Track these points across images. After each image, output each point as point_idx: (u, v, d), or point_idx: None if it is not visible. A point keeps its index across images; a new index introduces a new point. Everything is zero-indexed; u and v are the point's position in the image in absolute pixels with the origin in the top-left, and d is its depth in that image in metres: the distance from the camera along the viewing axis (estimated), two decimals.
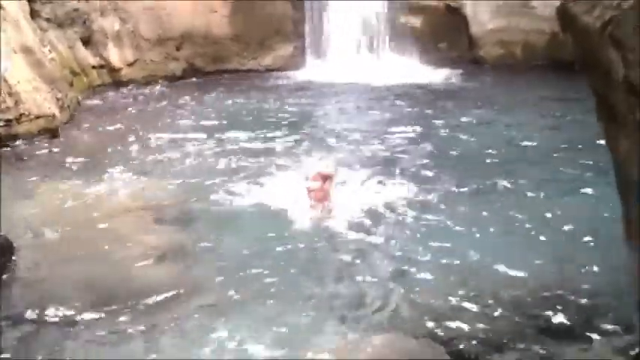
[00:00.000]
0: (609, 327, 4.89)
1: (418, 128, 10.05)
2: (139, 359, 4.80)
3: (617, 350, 4.63)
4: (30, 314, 5.41)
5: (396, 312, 5.26)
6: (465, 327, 5.02)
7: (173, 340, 5.05)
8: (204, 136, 9.94)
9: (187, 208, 7.40)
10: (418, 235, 6.48)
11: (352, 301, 5.43)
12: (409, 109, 11.30)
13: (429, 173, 8.08)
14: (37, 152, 9.46)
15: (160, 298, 5.57)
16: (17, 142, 9.67)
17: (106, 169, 8.63)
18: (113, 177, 8.38)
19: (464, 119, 10.55)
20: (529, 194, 7.38)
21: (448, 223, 6.70)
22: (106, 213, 7.25)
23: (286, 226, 6.70)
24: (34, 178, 8.40)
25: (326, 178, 6.92)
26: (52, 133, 10.02)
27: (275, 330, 5.05)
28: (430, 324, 5.07)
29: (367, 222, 6.75)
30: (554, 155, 8.59)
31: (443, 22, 14.38)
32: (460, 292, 5.45)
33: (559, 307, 5.16)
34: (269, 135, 9.95)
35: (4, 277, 5.92)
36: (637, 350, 4.34)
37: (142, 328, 5.19)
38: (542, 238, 6.34)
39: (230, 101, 12.18)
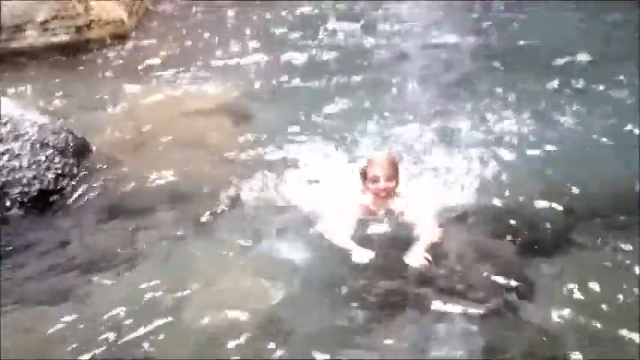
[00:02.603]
0: None
1: None
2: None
3: None
4: (102, 213, 5.62)
5: None
6: None
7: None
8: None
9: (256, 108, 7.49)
10: None
11: None
12: None
13: None
14: (108, 57, 9.58)
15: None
16: (89, 48, 9.76)
17: (177, 73, 8.74)
18: (184, 81, 8.48)
19: None
20: None
21: None
22: (180, 114, 7.41)
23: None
24: (107, 82, 8.55)
25: (395, 166, 5.20)
26: (121, 38, 10.10)
27: None
28: None
29: None
30: None
31: None
32: None
33: None
34: None
35: (82, 174, 6.14)
36: None
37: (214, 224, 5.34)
38: None
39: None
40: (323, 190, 5.63)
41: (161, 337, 4.11)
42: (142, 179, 6.08)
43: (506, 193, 5.48)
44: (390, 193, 5.13)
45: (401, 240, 4.85)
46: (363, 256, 4.65)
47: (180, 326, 4.21)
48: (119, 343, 4.09)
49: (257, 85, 8.23)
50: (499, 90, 7.45)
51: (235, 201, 5.60)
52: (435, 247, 4.73)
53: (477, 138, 6.47)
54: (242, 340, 4.07)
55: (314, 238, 4.97)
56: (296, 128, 6.81)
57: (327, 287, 4.50)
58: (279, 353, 3.96)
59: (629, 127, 6.48)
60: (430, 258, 4.58)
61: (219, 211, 5.48)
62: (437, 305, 4.25)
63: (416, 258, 4.60)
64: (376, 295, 4.39)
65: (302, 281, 4.58)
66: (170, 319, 4.25)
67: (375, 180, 5.07)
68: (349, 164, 5.98)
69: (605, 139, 6.29)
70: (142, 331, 4.16)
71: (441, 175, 5.76)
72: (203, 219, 5.38)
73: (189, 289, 4.51)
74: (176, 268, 4.83)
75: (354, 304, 4.31)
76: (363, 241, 4.83)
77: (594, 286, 4.37)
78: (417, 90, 7.85)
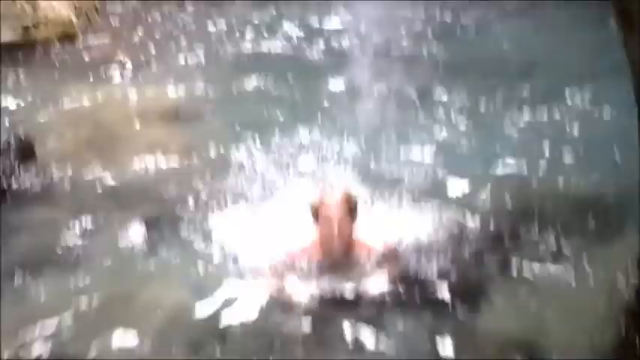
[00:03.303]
0: None
1: None
2: None
3: None
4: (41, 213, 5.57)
5: None
6: None
7: None
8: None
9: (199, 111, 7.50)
10: None
11: None
12: None
13: None
14: (56, 57, 9.50)
15: None
16: (37, 48, 9.66)
17: (127, 73, 8.77)
18: (133, 81, 8.50)
19: None
20: None
21: None
22: (129, 114, 7.42)
23: None
24: (55, 82, 8.50)
25: (351, 203, 4.41)
26: (70, 38, 10.03)
27: None
28: None
29: None
30: None
31: None
32: None
33: None
34: None
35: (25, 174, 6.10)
36: None
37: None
38: None
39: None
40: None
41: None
42: (86, 180, 6.07)
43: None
44: (345, 239, 4.35)
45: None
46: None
47: None
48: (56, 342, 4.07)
49: (207, 86, 8.24)
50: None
51: (177, 203, 5.57)
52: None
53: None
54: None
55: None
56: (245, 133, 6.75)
57: None
58: None
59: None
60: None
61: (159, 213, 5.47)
62: None
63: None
64: None
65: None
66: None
67: (328, 222, 4.31)
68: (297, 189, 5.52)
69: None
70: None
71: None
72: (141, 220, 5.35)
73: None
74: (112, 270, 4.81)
75: None
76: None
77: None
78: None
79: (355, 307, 4.18)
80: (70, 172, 6.20)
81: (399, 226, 4.86)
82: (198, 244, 4.96)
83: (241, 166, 6.08)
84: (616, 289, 4.26)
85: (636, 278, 4.30)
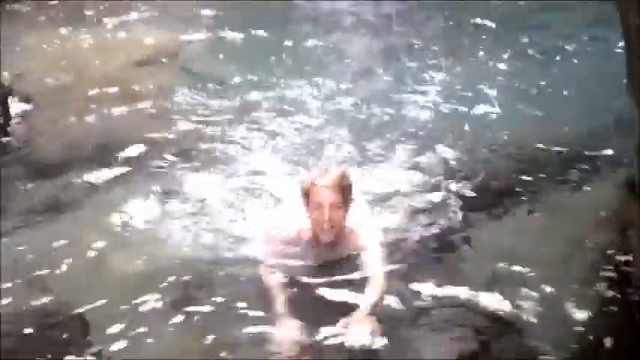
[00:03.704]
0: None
1: None
2: None
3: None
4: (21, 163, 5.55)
5: None
6: None
7: None
8: None
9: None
10: None
11: None
12: None
13: None
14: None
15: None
16: None
17: (116, 19, 8.57)
18: (123, 27, 8.36)
19: None
20: None
21: None
22: (116, 62, 7.31)
23: None
24: (41, 28, 8.35)
25: (344, 184, 3.98)
26: None
27: None
28: None
29: None
30: None
31: None
32: None
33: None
34: None
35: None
36: None
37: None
38: None
39: None
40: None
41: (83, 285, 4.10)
42: (65, 127, 6.04)
43: None
44: (337, 225, 3.96)
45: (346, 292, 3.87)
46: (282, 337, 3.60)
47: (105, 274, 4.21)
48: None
49: (201, 35, 8.10)
50: None
51: (153, 153, 5.50)
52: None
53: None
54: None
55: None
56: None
57: None
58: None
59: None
60: (376, 328, 3.53)
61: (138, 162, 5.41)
62: None
63: (356, 336, 3.48)
64: None
65: None
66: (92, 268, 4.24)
67: (318, 207, 3.93)
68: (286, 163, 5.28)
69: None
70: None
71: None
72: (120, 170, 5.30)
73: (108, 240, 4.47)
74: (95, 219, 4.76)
75: None
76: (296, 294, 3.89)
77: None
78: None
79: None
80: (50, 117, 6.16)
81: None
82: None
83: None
84: None
85: None
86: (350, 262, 4.01)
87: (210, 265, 4.18)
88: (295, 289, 3.89)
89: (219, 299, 3.88)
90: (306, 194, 3.95)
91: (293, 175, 5.00)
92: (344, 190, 3.92)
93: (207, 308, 3.83)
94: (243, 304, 3.80)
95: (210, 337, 3.59)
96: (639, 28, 3.74)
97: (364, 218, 4.25)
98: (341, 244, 4.02)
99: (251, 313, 3.73)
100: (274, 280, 3.92)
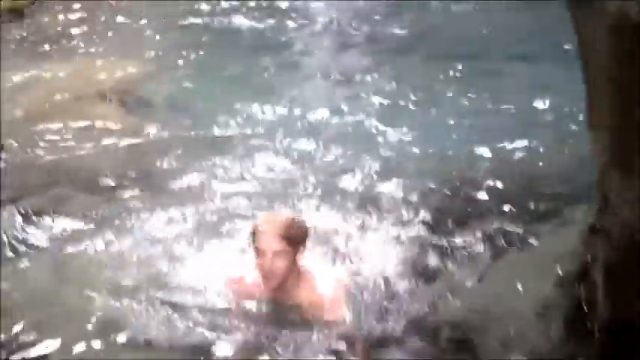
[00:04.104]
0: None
1: None
2: None
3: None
4: None
5: None
6: None
7: None
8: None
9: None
10: None
11: None
12: None
13: None
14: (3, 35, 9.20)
15: None
16: None
17: (75, 49, 8.63)
18: (79, 59, 8.32)
19: None
20: None
21: None
22: (72, 94, 7.27)
23: None
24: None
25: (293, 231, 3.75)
26: (17, 13, 9.75)
27: None
28: None
29: None
30: None
31: None
32: None
33: None
34: None
35: None
36: None
37: None
38: None
39: None
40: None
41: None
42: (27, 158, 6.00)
43: None
44: (280, 273, 3.70)
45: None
46: None
47: None
48: None
49: (154, 64, 8.07)
50: None
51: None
52: None
53: None
54: None
55: None
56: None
57: None
58: None
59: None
60: None
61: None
62: None
63: None
64: None
65: None
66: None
67: (261, 254, 3.69)
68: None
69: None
70: None
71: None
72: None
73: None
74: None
75: None
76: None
77: None
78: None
79: None
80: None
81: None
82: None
83: None
84: None
85: None
86: (306, 306, 3.80)
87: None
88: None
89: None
90: (252, 238, 3.76)
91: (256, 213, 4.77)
92: (290, 238, 3.67)
93: None
94: None
95: None
96: (602, 44, 3.20)
97: (324, 264, 4.09)
98: (293, 290, 3.79)
99: None
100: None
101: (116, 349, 3.78)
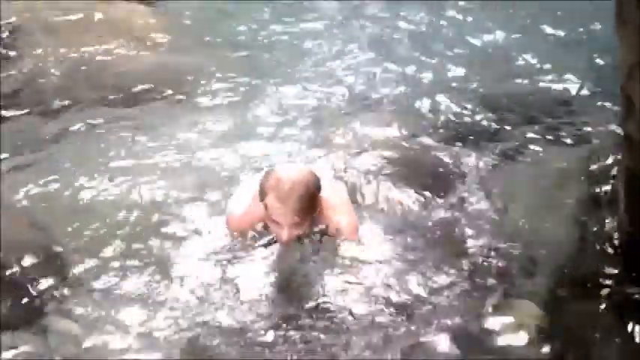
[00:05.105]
0: None
1: None
2: None
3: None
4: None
5: None
6: None
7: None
8: None
9: None
10: None
11: None
12: None
13: None
14: None
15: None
16: None
17: None
18: None
19: None
20: None
21: None
22: None
23: None
24: None
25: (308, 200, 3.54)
26: None
27: None
28: None
29: None
30: None
31: None
32: None
33: None
34: None
35: None
36: None
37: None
38: None
39: None
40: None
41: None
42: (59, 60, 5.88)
43: None
44: (296, 236, 3.58)
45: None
46: None
47: None
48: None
49: None
50: None
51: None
52: None
53: None
54: None
55: None
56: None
57: None
58: None
59: None
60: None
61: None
62: None
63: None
64: None
65: None
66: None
67: (277, 225, 3.54)
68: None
69: None
70: None
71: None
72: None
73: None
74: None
75: None
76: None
77: None
78: None
79: None
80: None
81: None
82: None
83: None
84: None
85: None
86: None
87: None
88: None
89: None
90: (264, 203, 3.52)
91: None
92: (306, 209, 3.48)
93: None
94: None
95: None
96: None
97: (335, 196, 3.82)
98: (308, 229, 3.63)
99: None
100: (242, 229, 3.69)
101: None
